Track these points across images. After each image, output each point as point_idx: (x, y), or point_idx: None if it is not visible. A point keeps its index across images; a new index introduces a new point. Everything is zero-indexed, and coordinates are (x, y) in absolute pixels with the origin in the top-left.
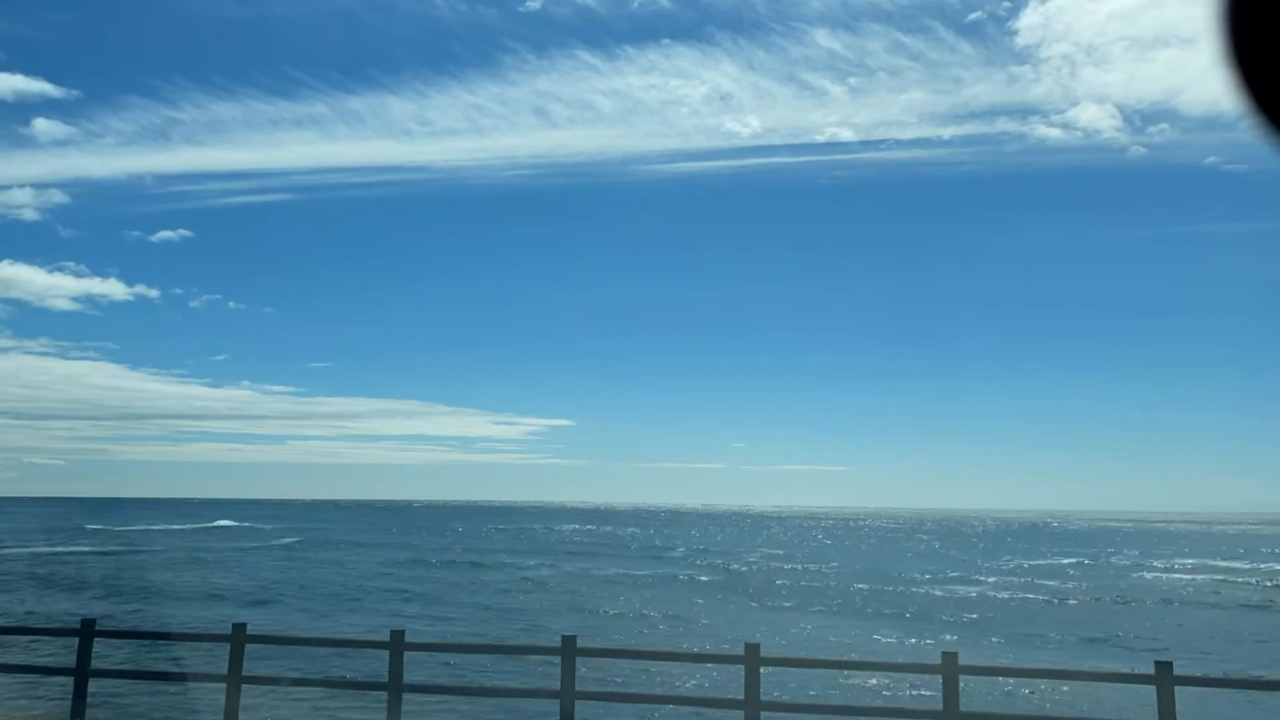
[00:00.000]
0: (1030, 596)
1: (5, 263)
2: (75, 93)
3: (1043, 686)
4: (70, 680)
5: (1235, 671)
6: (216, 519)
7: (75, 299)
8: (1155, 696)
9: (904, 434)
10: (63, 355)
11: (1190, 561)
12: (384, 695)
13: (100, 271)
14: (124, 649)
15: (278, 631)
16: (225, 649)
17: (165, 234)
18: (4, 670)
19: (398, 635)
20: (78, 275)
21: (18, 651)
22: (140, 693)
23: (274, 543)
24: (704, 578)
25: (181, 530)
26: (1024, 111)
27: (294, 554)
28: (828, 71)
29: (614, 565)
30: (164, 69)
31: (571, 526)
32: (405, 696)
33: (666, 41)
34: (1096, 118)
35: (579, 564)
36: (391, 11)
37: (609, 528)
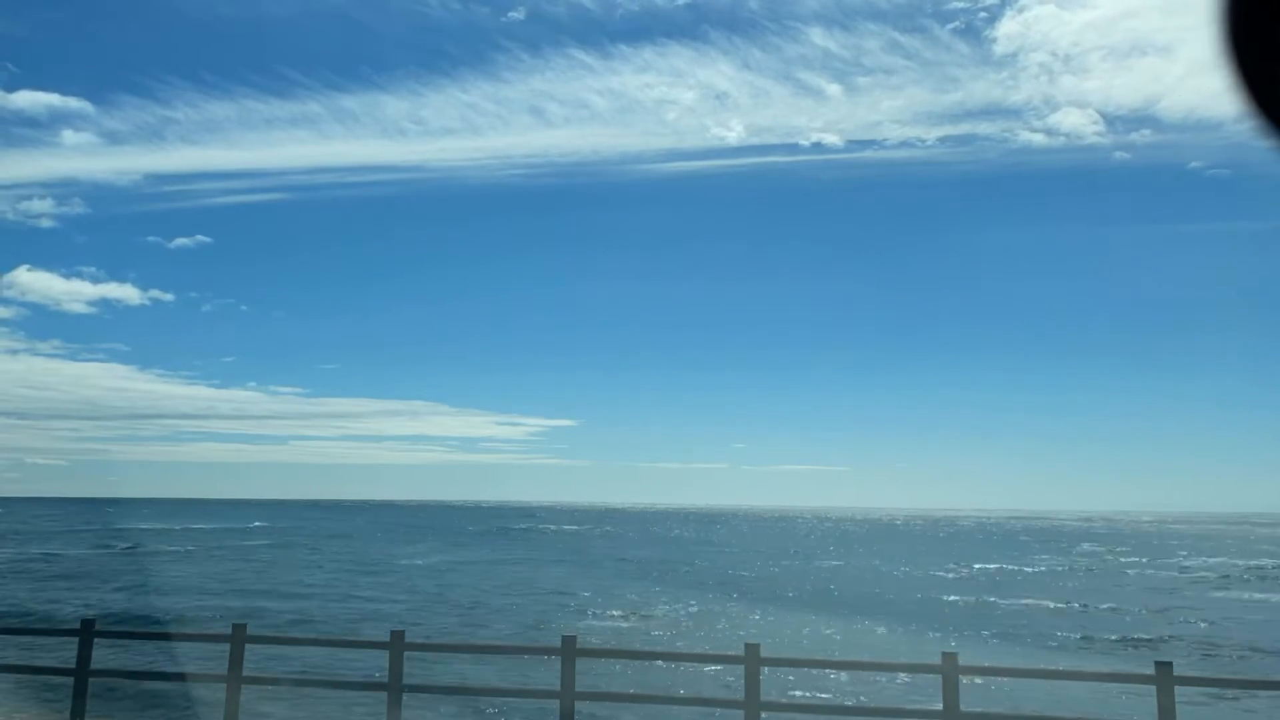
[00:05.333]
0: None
1: (23, 268)
2: (76, 94)
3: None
4: (70, 680)
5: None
6: (229, 521)
7: (91, 303)
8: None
9: (906, 434)
10: (73, 357)
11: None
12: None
13: (118, 276)
14: (125, 649)
15: (278, 632)
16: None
17: (182, 240)
18: (4, 670)
19: (398, 635)
20: (95, 280)
21: (17, 652)
22: (140, 693)
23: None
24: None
25: (229, 530)
26: (1009, 114)
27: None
28: (824, 70)
29: None
30: (157, 68)
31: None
32: (405, 696)
33: (661, 40)
34: (1079, 123)
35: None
36: (384, 10)
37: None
